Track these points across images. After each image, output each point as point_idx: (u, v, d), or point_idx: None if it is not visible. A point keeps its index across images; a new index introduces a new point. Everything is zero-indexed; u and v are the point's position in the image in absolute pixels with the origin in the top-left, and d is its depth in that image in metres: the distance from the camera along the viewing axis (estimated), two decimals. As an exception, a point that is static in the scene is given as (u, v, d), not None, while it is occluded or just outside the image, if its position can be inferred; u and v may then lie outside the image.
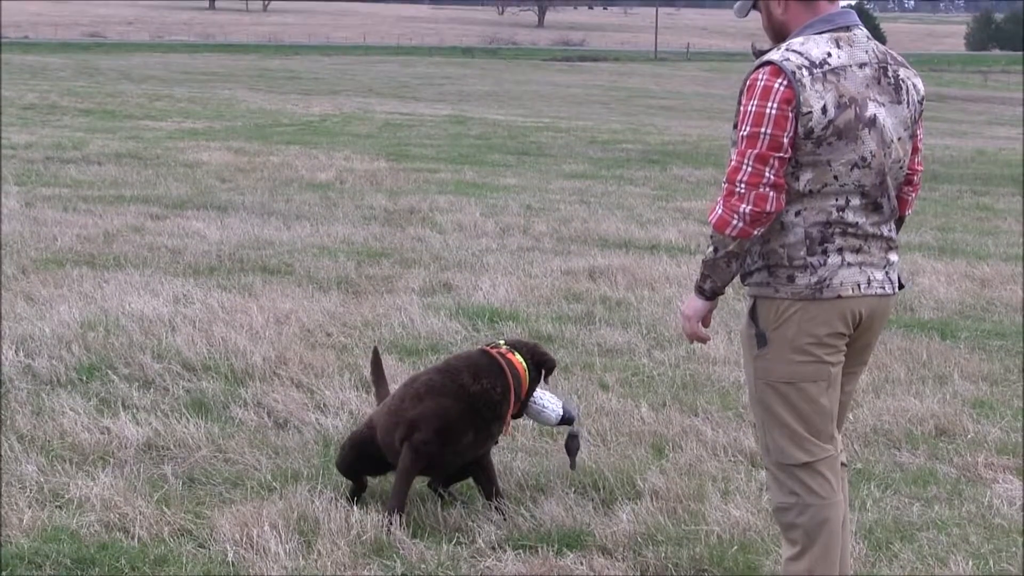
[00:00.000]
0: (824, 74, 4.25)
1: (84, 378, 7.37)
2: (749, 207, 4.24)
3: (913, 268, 11.79)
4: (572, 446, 5.83)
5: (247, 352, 7.84)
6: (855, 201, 4.35)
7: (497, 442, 5.84)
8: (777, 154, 4.23)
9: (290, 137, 24.74)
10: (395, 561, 5.14)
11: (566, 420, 5.80)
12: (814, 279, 4.35)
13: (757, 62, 4.33)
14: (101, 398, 7.03)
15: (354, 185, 17.29)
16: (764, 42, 4.60)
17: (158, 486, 5.81)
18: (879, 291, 4.46)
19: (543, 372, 5.79)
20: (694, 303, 4.49)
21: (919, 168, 4.67)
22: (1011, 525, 5.77)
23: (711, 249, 4.36)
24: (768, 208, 4.25)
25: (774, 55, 4.29)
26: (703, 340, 4.60)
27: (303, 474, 5.99)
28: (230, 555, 5.12)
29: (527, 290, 10.24)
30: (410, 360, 7.99)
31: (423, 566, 5.12)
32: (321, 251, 11.85)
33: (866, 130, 4.31)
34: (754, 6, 4.55)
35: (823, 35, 4.34)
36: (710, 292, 4.45)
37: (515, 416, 5.73)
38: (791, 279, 4.36)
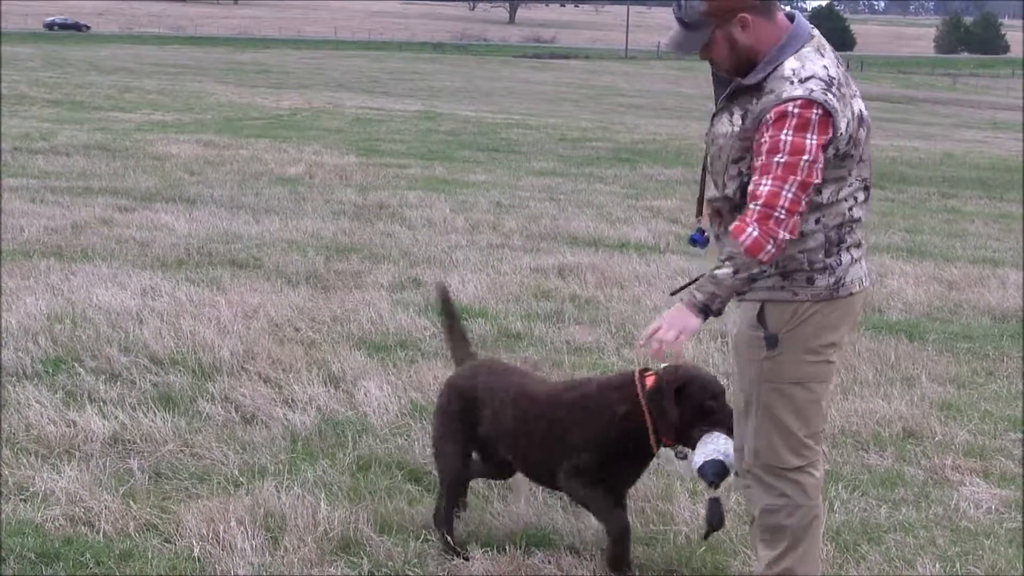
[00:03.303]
0: (839, 91, 4.24)
1: (50, 371, 7.32)
2: (786, 234, 4.16)
3: (881, 270, 11.83)
4: (711, 515, 4.84)
5: (215, 346, 7.79)
6: (861, 196, 4.40)
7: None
8: (815, 183, 4.18)
9: (259, 131, 24.65)
10: (362, 558, 5.11)
11: (704, 475, 4.84)
12: (832, 279, 4.36)
13: (781, 97, 4.17)
14: (67, 391, 6.97)
15: (323, 180, 17.24)
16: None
17: (124, 480, 5.77)
18: (867, 283, 4.53)
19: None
20: (692, 321, 4.27)
21: None
22: (978, 528, 5.79)
23: (729, 270, 4.19)
24: (795, 236, 4.21)
25: (796, 90, 4.18)
26: (677, 355, 4.45)
27: (270, 470, 5.96)
28: (196, 550, 5.08)
29: (496, 287, 10.23)
30: (378, 356, 7.96)
31: (390, 563, 5.10)
32: (290, 245, 11.80)
33: (863, 128, 4.34)
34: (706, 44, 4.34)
35: (804, 49, 4.29)
36: (716, 311, 4.29)
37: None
38: (811, 281, 4.36)
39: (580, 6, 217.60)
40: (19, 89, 33.70)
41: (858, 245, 4.44)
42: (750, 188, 4.21)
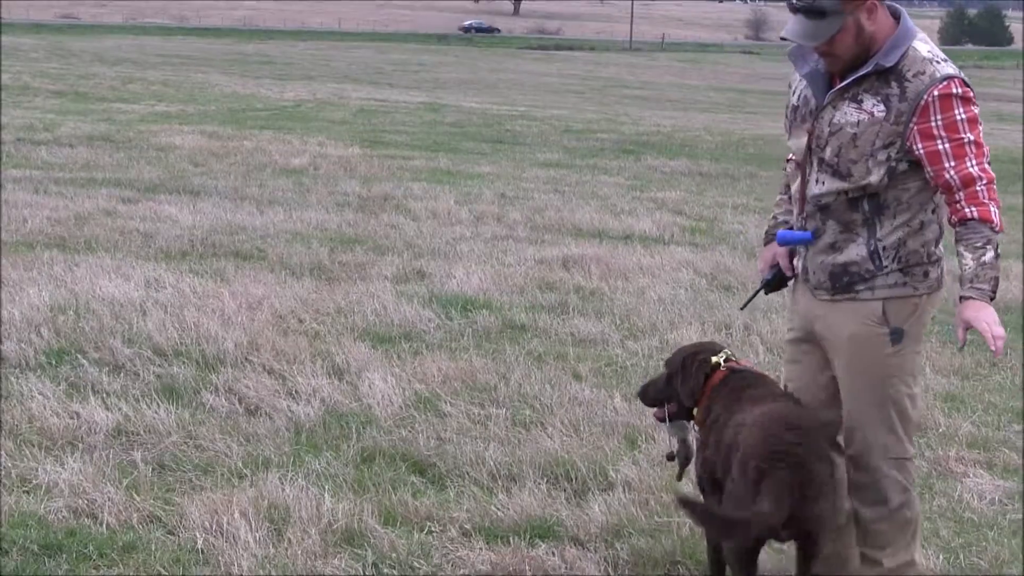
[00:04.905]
0: None
1: (53, 362, 7.31)
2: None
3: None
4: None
5: (219, 338, 7.79)
6: None
7: None
8: None
9: (264, 122, 24.63)
10: (366, 550, 5.11)
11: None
12: (940, 271, 4.55)
13: (935, 77, 4.33)
14: (70, 382, 6.97)
15: (328, 171, 17.22)
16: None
17: (127, 472, 5.76)
18: None
19: None
20: (992, 312, 4.34)
21: None
22: (981, 519, 5.79)
23: (992, 252, 4.33)
24: None
25: (947, 68, 4.35)
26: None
27: (274, 461, 5.96)
28: (199, 542, 5.08)
29: (501, 279, 10.21)
30: (383, 347, 7.96)
31: (394, 555, 5.09)
32: (294, 237, 11.79)
33: None
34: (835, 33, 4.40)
35: (921, 35, 4.45)
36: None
37: None
38: (926, 275, 4.51)
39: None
40: (23, 80, 33.68)
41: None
42: (950, 173, 4.33)
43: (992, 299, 4.32)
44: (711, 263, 11.36)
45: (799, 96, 4.63)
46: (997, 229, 4.32)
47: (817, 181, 4.56)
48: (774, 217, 4.92)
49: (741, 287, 10.30)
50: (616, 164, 20.42)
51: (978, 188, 4.31)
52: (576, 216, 13.93)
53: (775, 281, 4.92)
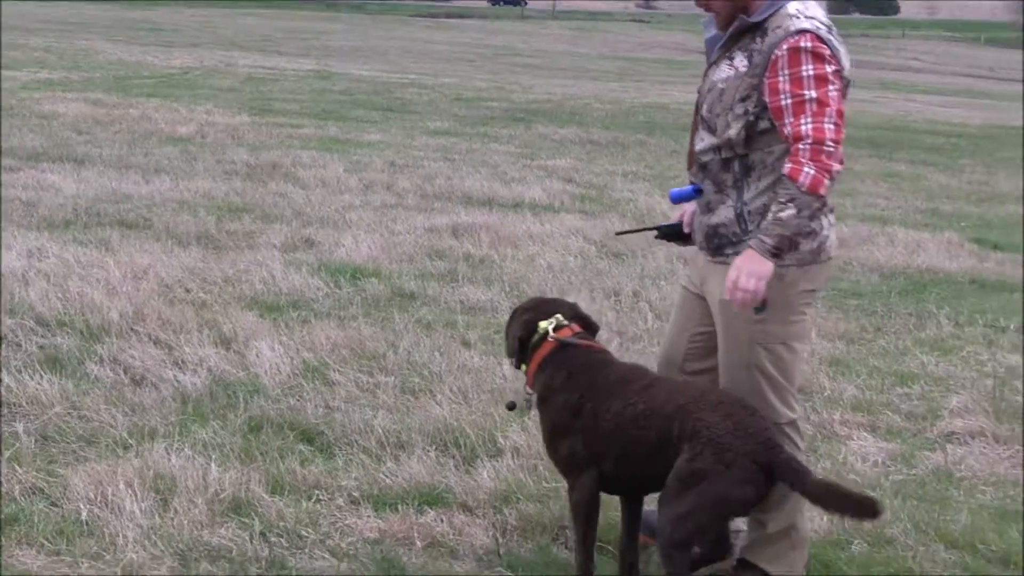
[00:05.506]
0: (837, 35, 4.46)
1: (-68, 333, 7.15)
2: (838, 165, 4.32)
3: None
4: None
5: (103, 308, 7.67)
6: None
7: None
8: (843, 109, 4.37)
9: (150, 90, 24.24)
10: (253, 519, 5.07)
11: None
12: (815, 244, 4.52)
13: (789, 30, 4.35)
14: (-50, 354, 6.83)
15: (215, 139, 17.00)
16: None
17: (9, 444, 5.67)
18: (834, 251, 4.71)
19: None
20: (766, 266, 4.33)
21: None
22: (865, 481, 5.89)
23: (793, 211, 4.29)
24: (843, 165, 4.36)
25: (803, 23, 4.37)
26: (761, 300, 4.43)
27: (160, 431, 5.89)
28: (84, 514, 5.02)
29: (390, 247, 10.18)
30: (271, 316, 7.90)
31: (282, 523, 5.07)
32: (181, 206, 11.64)
33: (846, 88, 4.51)
34: None
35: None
36: (787, 252, 4.39)
37: None
38: (796, 246, 4.45)
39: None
40: (-101, 46, 32.81)
41: (832, 211, 4.61)
42: (788, 129, 4.34)
43: (774, 256, 4.31)
44: (601, 231, 11.41)
45: None
46: (804, 190, 4.26)
47: (700, 139, 4.66)
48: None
49: (631, 254, 10.37)
50: (506, 132, 20.41)
51: (801, 147, 4.28)
52: (466, 184, 13.92)
53: (669, 229, 4.96)
